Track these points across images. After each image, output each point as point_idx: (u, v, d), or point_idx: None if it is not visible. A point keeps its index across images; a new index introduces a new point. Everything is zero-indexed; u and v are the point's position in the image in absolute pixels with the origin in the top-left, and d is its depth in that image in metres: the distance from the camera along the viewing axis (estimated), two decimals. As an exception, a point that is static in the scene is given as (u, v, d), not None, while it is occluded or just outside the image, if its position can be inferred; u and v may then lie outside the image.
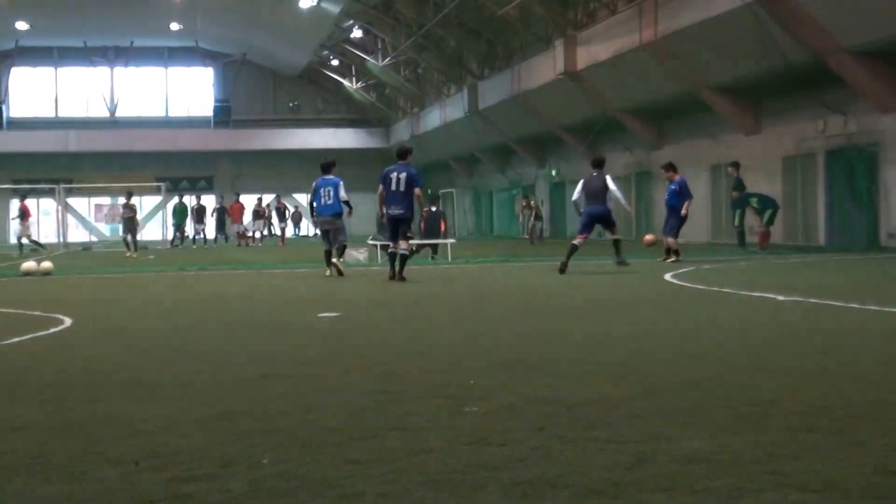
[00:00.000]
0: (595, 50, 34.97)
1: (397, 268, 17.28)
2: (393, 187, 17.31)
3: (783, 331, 8.86)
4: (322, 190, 19.06)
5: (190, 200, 49.25)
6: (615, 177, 23.67)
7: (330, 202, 18.97)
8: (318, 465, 4.37)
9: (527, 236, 41.56)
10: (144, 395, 6.25)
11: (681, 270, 18.27)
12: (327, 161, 19.67)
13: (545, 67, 39.44)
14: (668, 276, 16.76)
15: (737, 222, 27.26)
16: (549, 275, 18.52)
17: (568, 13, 39.02)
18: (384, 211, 17.64)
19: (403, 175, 17.27)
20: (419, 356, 7.73)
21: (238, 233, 46.82)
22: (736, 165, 27.78)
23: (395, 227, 17.47)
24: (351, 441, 4.80)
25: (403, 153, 17.77)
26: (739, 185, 27.45)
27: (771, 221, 26.22)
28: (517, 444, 4.66)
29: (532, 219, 41.14)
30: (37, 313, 12.14)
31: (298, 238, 60.55)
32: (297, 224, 65.88)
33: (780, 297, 12.17)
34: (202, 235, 47.11)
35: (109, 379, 6.93)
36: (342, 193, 18.98)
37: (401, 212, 17.33)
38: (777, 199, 27.38)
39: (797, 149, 29.63)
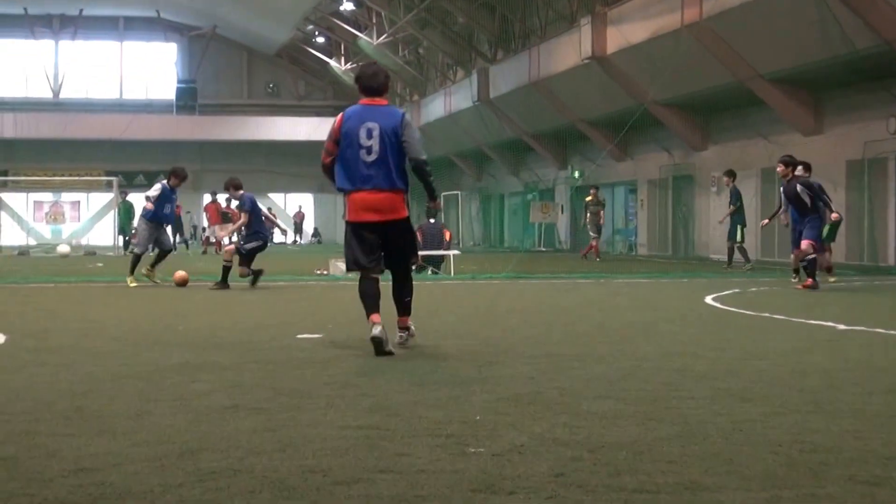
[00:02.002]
0: (628, 31, 35.03)
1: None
2: None
3: (844, 366, 8.87)
4: None
5: (142, 200, 49.36)
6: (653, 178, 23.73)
7: None
8: (294, 513, 4.38)
9: (587, 247, 37.49)
10: (91, 427, 6.24)
11: (725, 293, 18.29)
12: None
13: (568, 50, 39.52)
14: (709, 299, 16.80)
15: (739, 238, 27.75)
16: (569, 293, 18.55)
17: (597, -14, 39.11)
18: None
19: None
20: (415, 387, 7.74)
21: (204, 238, 46.99)
22: (731, 175, 28.20)
23: None
24: (334, 485, 4.81)
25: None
26: (736, 196, 27.90)
27: (832, 237, 26.24)
28: (529, 493, 4.67)
29: (589, 222, 37.19)
30: (-36, 328, 12.15)
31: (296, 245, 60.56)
32: (299, 229, 66.11)
33: (841, 327, 12.18)
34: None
35: (50, 407, 6.92)
36: None
37: None
38: (840, 210, 27.38)
39: (864, 152, 29.66)
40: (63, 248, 21.94)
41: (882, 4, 24.36)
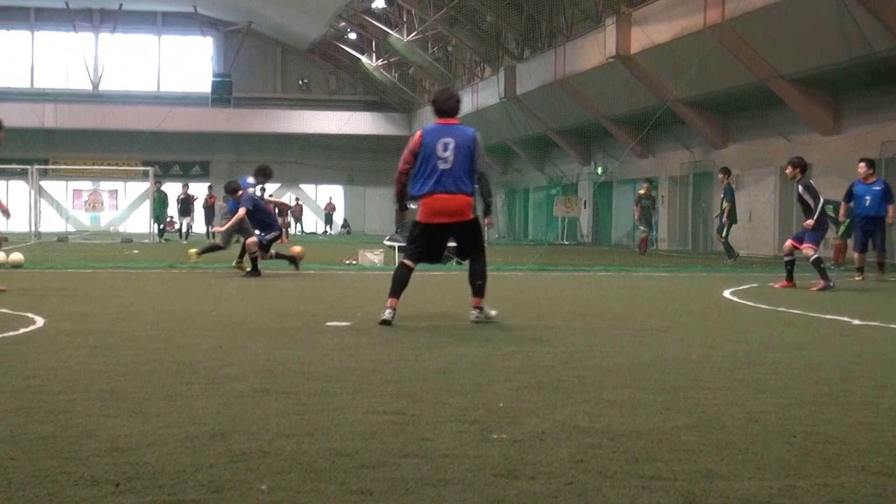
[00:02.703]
0: (652, 31, 34.96)
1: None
2: None
3: (858, 359, 8.84)
4: None
5: (176, 189, 49.56)
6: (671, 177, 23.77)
7: None
8: (321, 495, 4.40)
9: (639, 240, 36.89)
10: (126, 408, 6.28)
11: (742, 287, 18.26)
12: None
13: (594, 49, 39.46)
14: (727, 293, 16.76)
15: (725, 234, 27.85)
16: (591, 287, 18.54)
17: (622, -13, 39.00)
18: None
19: None
20: (440, 374, 7.76)
21: None
22: (727, 172, 28.20)
23: None
24: (360, 468, 4.83)
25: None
26: (731, 194, 27.94)
27: (848, 234, 26.13)
28: (550, 478, 4.68)
29: (642, 216, 36.22)
30: (4, 311, 12.22)
31: (304, 235, 60.61)
32: (298, 220, 65.98)
33: (856, 322, 12.15)
34: (190, 229, 47.45)
35: (86, 389, 6.96)
36: None
37: None
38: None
39: (881, 152, 29.53)
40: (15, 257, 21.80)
41: (901, 6, 24.28)
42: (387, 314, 11.36)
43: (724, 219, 28.70)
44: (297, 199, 66.96)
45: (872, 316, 12.67)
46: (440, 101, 11.90)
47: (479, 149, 11.67)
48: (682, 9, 33.11)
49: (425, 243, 11.85)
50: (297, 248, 22.75)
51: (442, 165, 11.48)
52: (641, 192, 36.79)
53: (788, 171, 19.47)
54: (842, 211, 21.56)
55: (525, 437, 5.53)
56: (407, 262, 11.83)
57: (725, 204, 28.29)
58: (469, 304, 11.85)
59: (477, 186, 11.76)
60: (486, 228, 12.30)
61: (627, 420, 6.02)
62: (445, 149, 11.49)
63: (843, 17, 25.86)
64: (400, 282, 11.65)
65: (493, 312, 11.97)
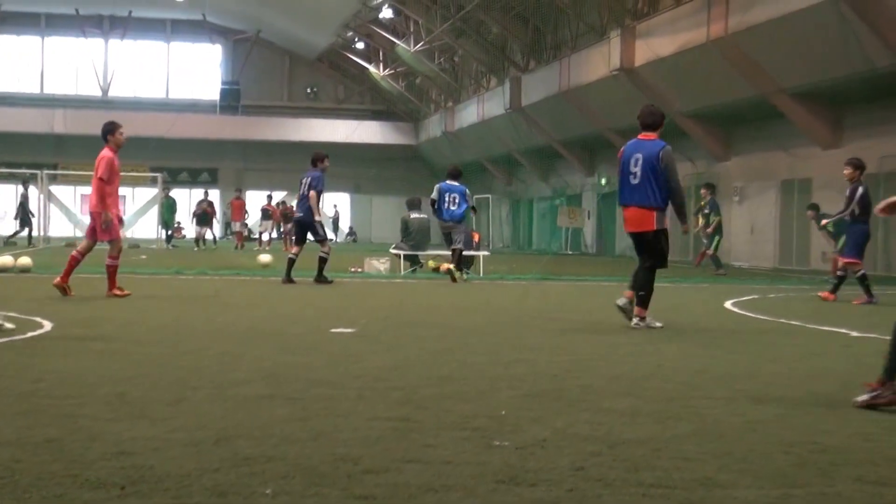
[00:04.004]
0: (656, 44, 34.99)
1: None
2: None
3: (856, 370, 8.84)
4: (448, 195, 22.53)
5: (190, 195, 49.62)
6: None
7: (455, 208, 22.57)
8: (324, 499, 4.41)
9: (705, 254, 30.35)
10: (132, 412, 6.30)
11: (744, 298, 18.26)
12: (455, 168, 23.46)
13: (598, 62, 39.51)
14: (728, 304, 16.78)
15: (713, 248, 27.79)
16: (594, 296, 18.55)
17: (627, 1, 39.02)
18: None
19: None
20: (444, 381, 7.77)
21: (237, 232, 47.14)
22: (710, 187, 28.22)
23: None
24: (363, 474, 4.84)
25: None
26: (718, 208, 27.94)
27: (846, 248, 26.09)
28: (551, 485, 4.70)
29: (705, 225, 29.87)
30: (12, 315, 12.23)
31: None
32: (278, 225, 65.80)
33: (855, 333, 12.16)
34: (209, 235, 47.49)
35: (92, 393, 6.97)
36: (469, 201, 23.02)
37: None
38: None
39: (880, 166, 29.52)
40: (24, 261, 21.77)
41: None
42: (619, 301, 12.58)
43: (710, 230, 28.56)
44: (335, 207, 67.13)
45: (871, 328, 12.66)
46: (641, 116, 12.66)
47: (663, 163, 12.11)
48: (685, 22, 33.14)
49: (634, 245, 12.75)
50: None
51: (632, 180, 12.20)
52: (702, 202, 30.33)
53: (848, 171, 19.41)
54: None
55: (527, 444, 5.55)
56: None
57: (714, 218, 28.18)
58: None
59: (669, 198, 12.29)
60: (662, 238, 12.54)
61: (628, 428, 6.04)
62: (636, 164, 12.15)
63: (844, 32, 25.88)
64: (634, 276, 12.64)
65: (658, 324, 12.35)
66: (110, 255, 16.24)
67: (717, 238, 28.17)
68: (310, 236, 20.78)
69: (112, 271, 16.20)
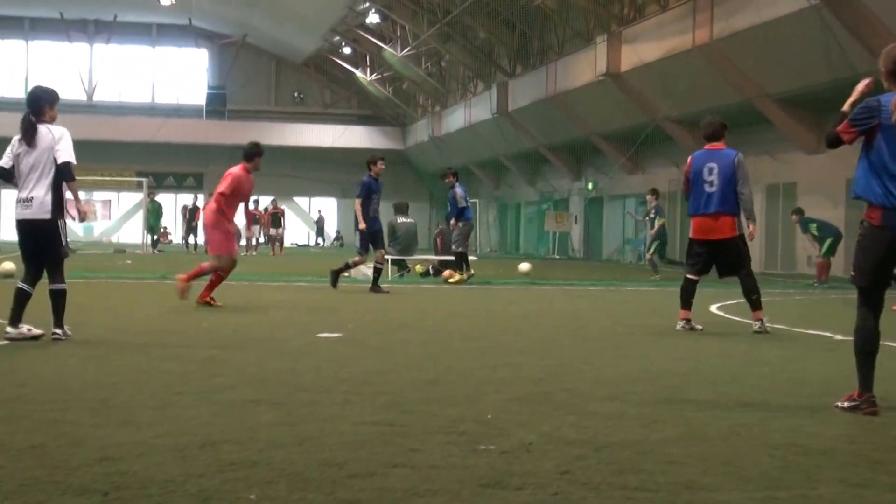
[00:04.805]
0: (642, 50, 35.06)
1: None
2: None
3: (839, 374, 8.83)
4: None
5: (176, 199, 49.50)
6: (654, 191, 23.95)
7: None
8: (310, 504, 4.40)
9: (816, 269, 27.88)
10: (116, 417, 6.28)
11: (729, 302, 18.29)
12: (451, 169, 24.60)
13: (584, 67, 39.56)
14: (713, 308, 16.82)
15: (652, 252, 27.88)
16: (580, 300, 18.57)
17: (613, 6, 39.09)
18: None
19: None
20: (430, 386, 7.78)
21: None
22: (655, 193, 28.30)
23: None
24: (348, 478, 4.84)
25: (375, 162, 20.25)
26: (660, 211, 28.09)
27: (831, 252, 26.17)
28: (536, 489, 4.70)
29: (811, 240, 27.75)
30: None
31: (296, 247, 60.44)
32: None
33: (838, 337, 12.16)
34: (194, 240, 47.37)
35: (77, 398, 6.95)
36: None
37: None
38: (840, 227, 27.24)
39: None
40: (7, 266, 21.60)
41: (882, 30, 24.31)
42: (679, 325, 12.78)
43: (653, 232, 28.59)
44: (319, 212, 67.20)
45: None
46: (704, 127, 13.22)
47: (739, 170, 12.62)
48: (671, 28, 33.22)
49: (700, 257, 12.93)
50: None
51: (708, 188, 12.58)
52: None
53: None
54: None
55: (512, 448, 5.55)
56: (690, 276, 12.97)
57: (659, 221, 28.26)
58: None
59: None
60: (742, 241, 12.74)
61: (613, 432, 6.05)
62: (710, 172, 12.60)
63: (827, 39, 25.97)
64: (684, 291, 12.95)
65: (699, 326, 12.82)
66: (218, 267, 15.69)
67: (657, 242, 28.18)
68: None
69: (215, 280, 15.73)
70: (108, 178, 64.68)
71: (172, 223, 61.90)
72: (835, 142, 7.58)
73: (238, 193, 15.91)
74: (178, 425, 6.02)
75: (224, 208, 15.71)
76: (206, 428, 5.94)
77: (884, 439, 6.05)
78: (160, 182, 64.57)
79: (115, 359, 9.07)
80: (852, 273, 7.27)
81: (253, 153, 16.38)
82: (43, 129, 10.66)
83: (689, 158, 13.11)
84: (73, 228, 67.37)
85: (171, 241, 50.93)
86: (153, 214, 46.59)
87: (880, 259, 7.04)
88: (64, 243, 10.56)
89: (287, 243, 49.64)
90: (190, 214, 47.71)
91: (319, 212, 70.16)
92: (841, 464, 5.33)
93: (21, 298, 10.52)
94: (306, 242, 69.17)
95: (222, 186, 15.76)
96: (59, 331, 10.39)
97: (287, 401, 6.95)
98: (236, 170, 16.04)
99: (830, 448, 5.71)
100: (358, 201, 19.67)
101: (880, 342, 7.15)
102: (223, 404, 6.77)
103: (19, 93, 68.71)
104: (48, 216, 10.30)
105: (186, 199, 51.06)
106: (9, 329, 10.41)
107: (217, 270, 15.65)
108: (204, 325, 12.63)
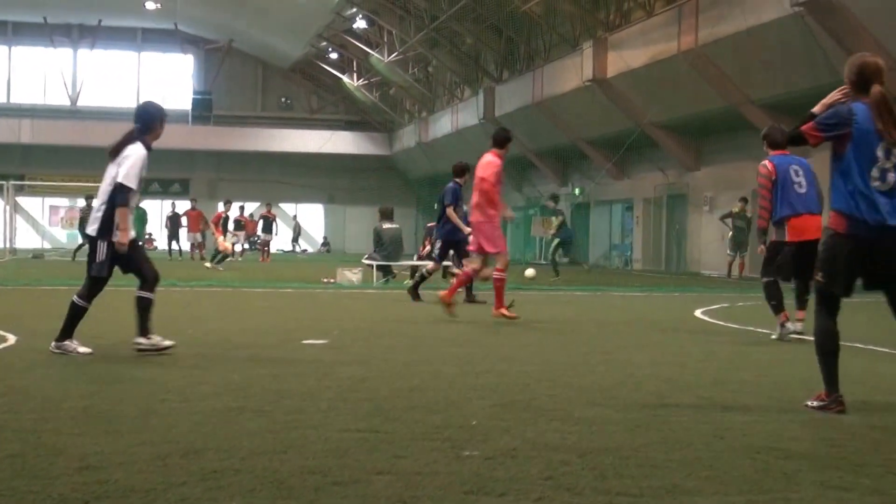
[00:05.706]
0: (628, 56, 35.11)
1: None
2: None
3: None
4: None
5: (161, 205, 49.31)
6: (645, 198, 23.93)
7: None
8: (292, 510, 4.41)
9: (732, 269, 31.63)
10: (97, 426, 6.27)
11: (714, 307, 18.34)
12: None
13: (571, 73, 39.59)
14: (698, 313, 16.85)
15: (553, 252, 28.21)
16: (566, 306, 18.60)
17: (599, 12, 39.15)
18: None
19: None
20: (414, 392, 7.78)
21: (192, 244, 46.80)
22: (555, 199, 28.58)
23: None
24: (332, 486, 4.85)
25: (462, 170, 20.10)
26: (558, 212, 28.44)
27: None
28: (520, 495, 4.72)
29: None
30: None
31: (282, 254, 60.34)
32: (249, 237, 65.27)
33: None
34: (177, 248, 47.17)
35: (57, 407, 6.94)
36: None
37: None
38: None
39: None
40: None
41: (865, 36, 24.38)
42: (789, 327, 12.66)
43: (553, 232, 28.78)
44: (294, 217, 67.07)
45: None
46: (773, 133, 13.47)
47: (813, 173, 12.98)
48: (656, 34, 33.29)
49: (792, 258, 12.56)
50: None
51: (799, 189, 12.74)
52: (735, 209, 31.70)
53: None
54: None
55: (496, 454, 5.57)
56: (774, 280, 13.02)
57: (557, 219, 28.50)
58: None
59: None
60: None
61: (597, 437, 6.07)
62: (797, 174, 12.85)
63: (809, 45, 26.04)
64: (779, 298, 12.85)
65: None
66: (497, 268, 15.45)
67: (557, 241, 28.31)
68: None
69: (499, 286, 15.38)
70: (92, 185, 64.46)
71: (157, 230, 61.60)
72: (797, 140, 7.61)
73: (499, 185, 15.47)
74: (161, 433, 6.02)
75: (495, 201, 15.29)
76: (188, 436, 5.94)
77: (865, 443, 6.09)
78: (145, 188, 64.06)
79: (96, 367, 9.06)
80: (817, 278, 7.30)
81: (507, 138, 15.93)
82: (130, 147, 10.39)
83: (766, 163, 13.04)
84: (56, 235, 67.35)
85: (156, 247, 50.70)
86: (138, 221, 46.06)
87: (851, 267, 7.10)
88: (100, 263, 10.50)
89: (273, 250, 49.37)
90: (172, 221, 47.48)
91: (294, 218, 69.70)
92: (822, 467, 5.37)
93: (144, 307, 10.72)
94: (292, 249, 69.10)
95: (488, 173, 15.21)
96: (65, 343, 10.26)
97: (271, 408, 6.95)
98: (494, 158, 15.52)
99: (811, 451, 5.75)
100: (451, 208, 19.40)
101: (840, 343, 7.25)
102: (206, 412, 6.77)
103: (2, 98, 68.58)
104: (94, 233, 10.31)
105: (179, 205, 50.72)
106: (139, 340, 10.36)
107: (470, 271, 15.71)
108: (188, 332, 12.63)
